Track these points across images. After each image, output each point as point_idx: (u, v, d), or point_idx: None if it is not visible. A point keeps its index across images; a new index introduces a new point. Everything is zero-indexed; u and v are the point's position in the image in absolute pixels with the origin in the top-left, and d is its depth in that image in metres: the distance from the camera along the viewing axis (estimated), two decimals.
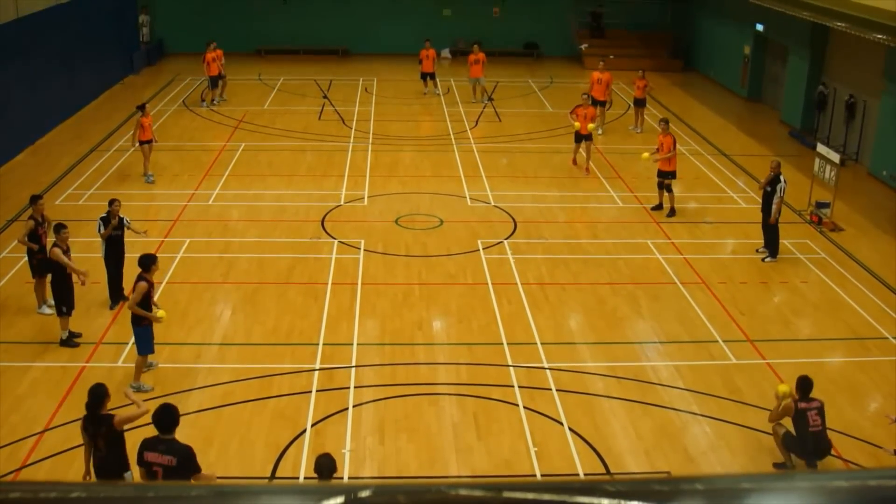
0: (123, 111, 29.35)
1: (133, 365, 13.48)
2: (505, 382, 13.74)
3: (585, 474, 11.61)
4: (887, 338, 15.51)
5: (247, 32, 38.33)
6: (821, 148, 21.52)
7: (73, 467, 11.37)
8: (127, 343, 14.57)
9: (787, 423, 11.69)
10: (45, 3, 26.85)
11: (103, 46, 32.19)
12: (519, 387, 13.59)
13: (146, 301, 13.14)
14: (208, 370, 13.94)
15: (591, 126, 23.51)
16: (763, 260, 18.54)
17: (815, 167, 21.28)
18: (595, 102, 27.45)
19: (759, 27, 31.74)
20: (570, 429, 12.55)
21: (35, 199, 16.08)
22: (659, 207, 21.22)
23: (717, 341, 15.19)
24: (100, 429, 9.96)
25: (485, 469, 11.68)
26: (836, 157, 20.53)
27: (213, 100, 30.41)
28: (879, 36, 20.48)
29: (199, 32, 36.81)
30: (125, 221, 16.02)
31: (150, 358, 13.70)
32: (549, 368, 14.14)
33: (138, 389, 13.07)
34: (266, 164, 24.35)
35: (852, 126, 26.04)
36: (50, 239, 15.40)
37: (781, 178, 18.33)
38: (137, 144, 22.29)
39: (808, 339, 15.47)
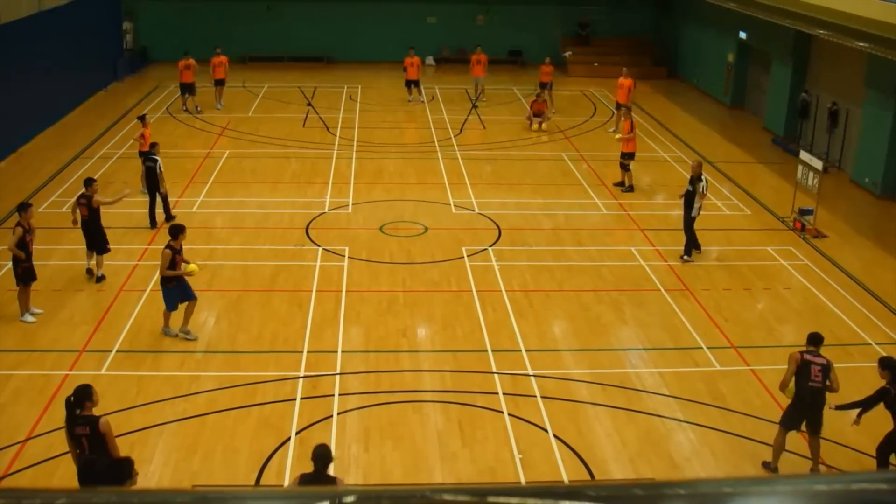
0: (107, 118, 29.29)
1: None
2: (489, 389, 13.74)
3: (570, 481, 11.61)
4: (870, 344, 15.58)
5: (231, 40, 38.23)
6: (804, 155, 21.63)
7: (57, 475, 11.31)
8: (111, 351, 14.53)
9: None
10: (29, 10, 26.75)
11: (87, 54, 32.07)
12: (503, 394, 13.59)
13: (174, 265, 14.76)
14: (192, 378, 13.88)
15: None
16: (684, 259, 18.87)
17: (797, 174, 21.38)
18: (619, 106, 28.16)
19: (743, 35, 31.91)
20: (555, 436, 12.55)
21: (25, 207, 15.98)
22: (621, 184, 23.48)
23: (701, 348, 15.23)
24: (84, 429, 9.92)
25: (469, 476, 11.66)
26: (818, 165, 20.63)
27: (196, 107, 30.41)
28: (861, 44, 20.61)
29: (183, 40, 36.75)
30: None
31: (189, 327, 15.15)
32: (534, 375, 14.14)
33: (167, 334, 15.04)
34: (250, 172, 24.31)
35: (835, 133, 26.19)
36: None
37: (703, 177, 18.96)
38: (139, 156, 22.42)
39: (791, 346, 15.44)
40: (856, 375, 14.48)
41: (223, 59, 30.86)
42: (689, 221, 18.89)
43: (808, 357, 11.70)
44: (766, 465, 12.15)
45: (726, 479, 1.57)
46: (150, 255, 18.39)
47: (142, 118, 22.69)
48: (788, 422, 11.89)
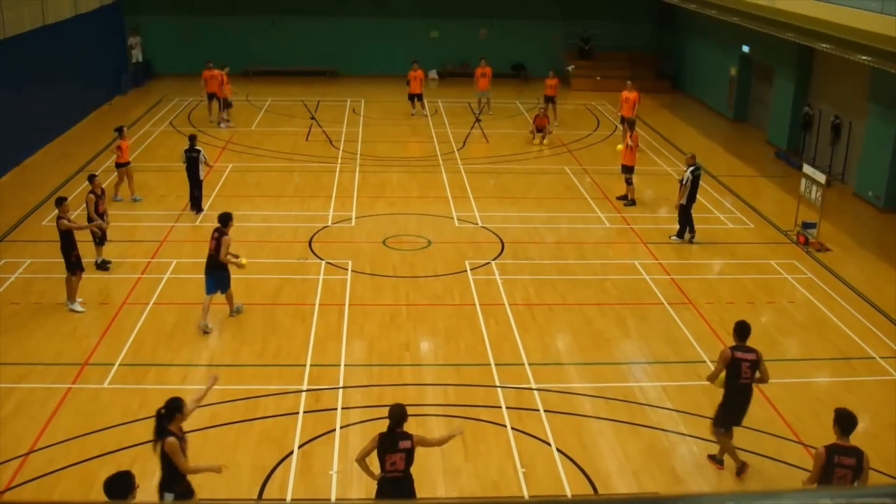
0: (110, 132, 29.26)
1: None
2: (493, 403, 13.72)
3: (573, 495, 11.58)
4: (874, 357, 15.55)
5: (235, 54, 38.37)
6: (807, 168, 21.63)
7: (59, 490, 11.30)
8: (114, 364, 14.52)
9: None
10: (33, 24, 26.84)
11: (91, 67, 32.17)
12: (507, 408, 13.56)
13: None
14: (195, 391, 13.84)
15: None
16: (672, 238, 20.87)
17: (801, 187, 21.38)
18: (623, 120, 28.00)
19: (746, 49, 31.96)
20: (558, 450, 12.52)
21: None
22: (624, 197, 23.52)
23: (704, 361, 15.19)
24: (159, 439, 9.84)
25: (472, 490, 11.64)
26: (821, 178, 20.62)
27: (220, 122, 30.50)
28: (864, 57, 20.62)
29: (187, 54, 36.95)
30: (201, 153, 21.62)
31: (236, 302, 16.43)
32: (537, 389, 14.11)
33: (206, 329, 15.62)
34: (254, 185, 24.34)
35: (838, 147, 26.21)
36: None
37: (689, 169, 20.52)
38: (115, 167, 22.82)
39: (795, 359, 15.49)
40: (860, 389, 14.48)
41: (215, 73, 30.79)
42: (688, 209, 20.62)
43: (738, 355, 11.75)
44: (712, 457, 12.45)
45: (730, 493, 1.57)
46: (153, 268, 18.41)
47: (119, 130, 22.89)
48: (724, 422, 12.05)
